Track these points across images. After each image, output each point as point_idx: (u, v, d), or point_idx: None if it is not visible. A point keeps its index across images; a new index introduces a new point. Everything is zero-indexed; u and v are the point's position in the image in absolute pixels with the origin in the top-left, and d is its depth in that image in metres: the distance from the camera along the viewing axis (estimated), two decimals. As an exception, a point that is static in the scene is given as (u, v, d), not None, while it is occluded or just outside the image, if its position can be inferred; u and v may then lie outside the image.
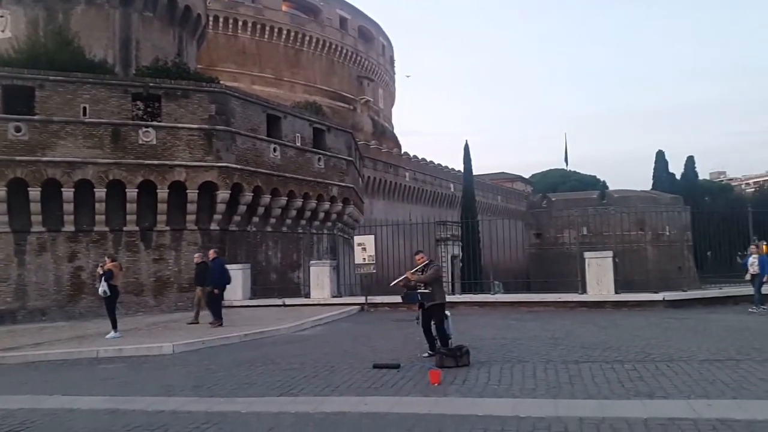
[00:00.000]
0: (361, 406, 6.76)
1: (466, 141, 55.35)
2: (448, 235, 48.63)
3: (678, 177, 73.89)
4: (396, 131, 71.61)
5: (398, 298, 12.31)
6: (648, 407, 6.17)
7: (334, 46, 58.73)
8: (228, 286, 20.60)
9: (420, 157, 58.06)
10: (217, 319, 15.08)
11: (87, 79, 20.18)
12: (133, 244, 20.65)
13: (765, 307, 14.70)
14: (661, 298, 16.16)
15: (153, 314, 19.50)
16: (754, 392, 6.70)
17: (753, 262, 15.08)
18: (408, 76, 74.41)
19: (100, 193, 19.78)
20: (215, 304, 15.32)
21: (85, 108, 19.84)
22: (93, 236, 20.17)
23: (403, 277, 9.85)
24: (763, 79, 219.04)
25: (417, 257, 9.95)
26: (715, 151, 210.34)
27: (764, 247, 19.56)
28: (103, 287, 13.87)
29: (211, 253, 16.39)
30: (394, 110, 76.08)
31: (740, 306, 16.05)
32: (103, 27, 27.47)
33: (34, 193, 19.12)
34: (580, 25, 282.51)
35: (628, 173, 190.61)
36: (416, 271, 9.69)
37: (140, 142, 20.37)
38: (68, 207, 19.59)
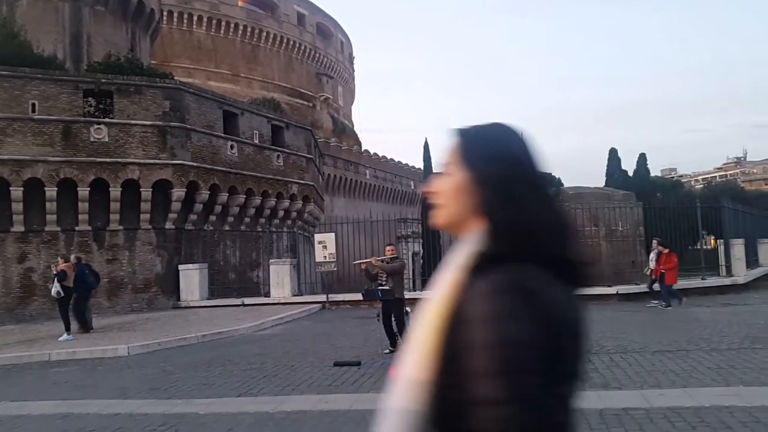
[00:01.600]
0: (321, 404, 6.73)
1: (426, 139, 55.39)
2: (409, 233, 48.84)
3: (630, 174, 75.74)
4: (356, 129, 71.48)
5: (359, 296, 12.34)
6: (603, 398, 6.31)
7: (292, 43, 58.22)
8: (184, 286, 20.27)
9: (381, 155, 58.13)
10: (82, 327, 14.32)
11: (35, 75, 19.54)
12: (86, 244, 20.10)
13: (677, 301, 14.97)
14: (615, 292, 16.57)
15: (107, 316, 18.97)
16: (702, 380, 6.95)
17: (652, 258, 15.54)
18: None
19: (51, 192, 19.18)
20: (77, 311, 14.29)
21: (34, 104, 19.21)
22: (44, 236, 19.56)
23: (368, 260, 9.96)
24: (715, 78, 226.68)
25: (387, 248, 10.23)
26: (666, 148, 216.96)
27: (712, 241, 20.23)
28: (56, 288, 13.49)
29: (72, 259, 15.03)
30: (354, 108, 75.97)
31: (690, 298, 16.55)
32: (52, 21, 26.65)
33: (-20, 192, 18.42)
34: (537, 22, 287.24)
35: (582, 170, 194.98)
36: (382, 259, 9.81)
37: (92, 139, 19.83)
38: (17, 206, 18.94)
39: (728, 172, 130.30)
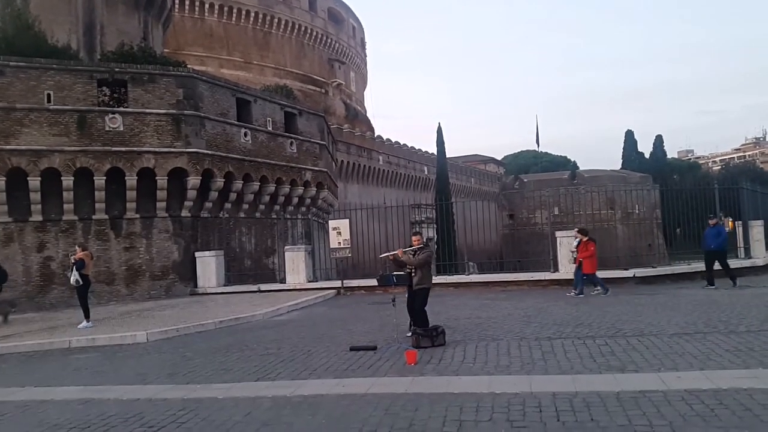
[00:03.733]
0: (338, 388, 6.78)
1: (439, 124, 55.36)
2: (423, 218, 48.87)
3: (647, 156, 75.07)
4: (369, 114, 71.34)
5: (374, 282, 12.34)
6: (619, 381, 6.31)
7: (303, 29, 58.04)
8: (201, 273, 20.45)
9: (393, 141, 58.01)
10: None
11: (50, 65, 19.65)
12: (103, 232, 20.32)
13: (597, 290, 14.74)
14: (632, 275, 16.48)
15: (125, 303, 19.26)
16: (720, 363, 6.90)
17: (574, 246, 15.38)
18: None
19: (68, 181, 19.37)
20: None
21: (49, 95, 19.35)
22: (62, 225, 19.79)
23: (393, 252, 9.82)
24: (729, 59, 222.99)
25: (414, 238, 9.96)
26: (682, 129, 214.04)
27: (730, 222, 20.01)
28: (74, 276, 13.65)
29: None
30: (366, 93, 75.74)
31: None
32: (66, 11, 26.72)
33: (-1, 182, 18.65)
34: (551, 5, 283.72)
35: (598, 153, 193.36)
36: (408, 251, 9.69)
37: (107, 128, 19.96)
38: (35, 196, 19.16)
39: (746, 153, 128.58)
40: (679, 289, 15.10)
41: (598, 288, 14.61)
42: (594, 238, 15.22)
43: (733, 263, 17.71)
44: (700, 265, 17.86)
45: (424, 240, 10.18)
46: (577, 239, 15.19)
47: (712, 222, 15.36)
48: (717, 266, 15.14)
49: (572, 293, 14.67)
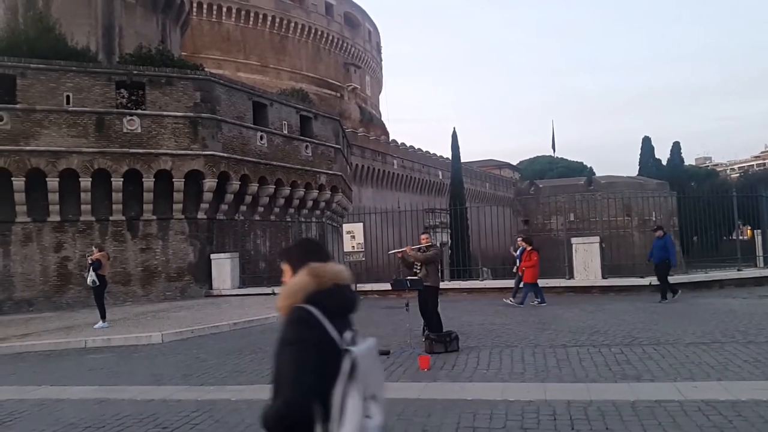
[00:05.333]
0: (351, 393, 6.76)
1: (454, 128, 55.07)
2: (437, 223, 48.71)
3: (664, 163, 74.39)
4: (383, 118, 71.39)
5: (387, 286, 12.35)
6: (635, 390, 6.24)
7: (320, 33, 58.29)
8: (216, 275, 20.55)
9: (408, 145, 58.00)
10: None
11: (70, 67, 19.91)
12: (120, 233, 20.51)
13: (536, 301, 14.56)
14: (648, 283, 16.30)
15: (141, 304, 19.41)
16: (738, 374, 6.80)
17: (518, 255, 15.13)
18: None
19: (86, 182, 19.58)
20: None
21: (68, 96, 19.59)
22: (79, 226, 20.00)
23: (402, 249, 9.92)
24: (747, 64, 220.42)
25: (422, 237, 10.12)
26: (700, 136, 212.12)
27: (749, 231, 19.71)
28: (91, 277, 13.78)
29: None
30: (381, 97, 75.85)
31: (725, 290, 16.25)
32: (85, 13, 27.09)
33: (18, 182, 18.90)
34: (567, 10, 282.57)
35: (615, 159, 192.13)
36: (417, 248, 9.75)
37: (125, 130, 20.16)
38: (53, 197, 19.39)
39: (766, 161, 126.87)
40: (695, 297, 14.91)
41: (537, 299, 14.51)
42: (537, 248, 15.04)
43: (752, 272, 17.49)
44: (717, 274, 17.68)
45: (435, 242, 10.23)
46: (520, 248, 14.99)
47: (657, 234, 14.93)
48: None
49: (535, 302, 14.51)
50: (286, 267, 2.35)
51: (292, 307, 2.17)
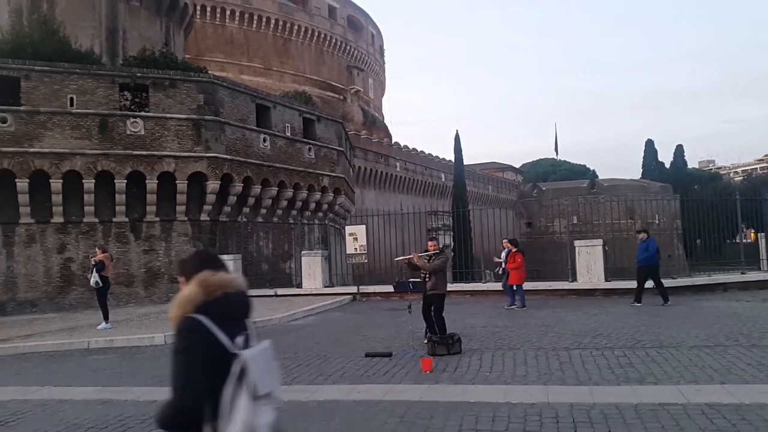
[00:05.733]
0: (353, 394, 6.78)
1: (457, 131, 55.28)
2: (440, 225, 48.74)
3: (667, 166, 74.27)
4: (386, 121, 71.45)
5: (390, 288, 12.34)
6: (638, 393, 6.23)
7: (323, 36, 58.39)
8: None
9: (411, 147, 58.03)
10: None
11: (74, 69, 19.97)
12: (123, 235, 20.55)
13: (515, 305, 14.51)
14: (652, 286, 16.25)
15: (144, 305, 19.43)
16: (742, 377, 6.78)
17: (503, 257, 15.01)
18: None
19: (89, 184, 19.63)
20: None
21: (72, 98, 19.65)
22: (82, 227, 20.05)
23: (409, 256, 9.85)
24: (751, 67, 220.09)
25: (430, 243, 10.01)
26: (703, 139, 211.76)
27: (752, 234, 19.68)
28: (94, 278, 13.81)
29: None
30: (384, 100, 75.90)
31: (729, 293, 16.21)
32: (89, 16, 27.16)
33: (22, 184, 18.96)
34: (569, 12, 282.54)
35: (618, 162, 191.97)
36: (425, 256, 9.70)
37: (128, 132, 20.21)
38: (57, 198, 19.44)
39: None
40: (699, 300, 14.88)
41: (515, 302, 14.49)
42: (523, 250, 15.03)
43: (755, 276, 17.45)
44: (720, 277, 17.64)
45: (440, 246, 10.17)
46: (506, 250, 14.94)
47: (641, 236, 14.82)
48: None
49: (514, 306, 14.50)
50: (181, 279, 2.47)
51: (182, 317, 2.31)
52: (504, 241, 15.50)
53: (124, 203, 20.26)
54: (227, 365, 2.22)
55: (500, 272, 15.64)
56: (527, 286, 17.24)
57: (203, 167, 21.09)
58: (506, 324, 11.95)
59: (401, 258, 10.15)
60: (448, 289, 10.16)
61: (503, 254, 15.13)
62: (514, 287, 14.63)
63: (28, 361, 10.80)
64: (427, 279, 9.62)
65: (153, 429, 5.87)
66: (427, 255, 9.73)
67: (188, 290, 2.37)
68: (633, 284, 16.50)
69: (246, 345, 2.36)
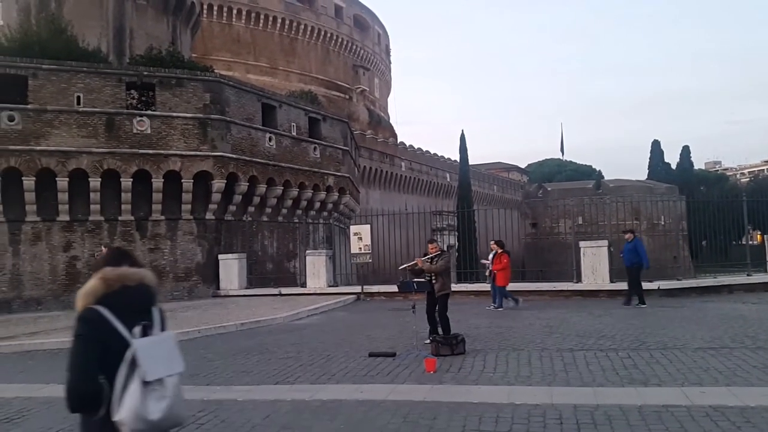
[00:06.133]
0: (357, 394, 6.78)
1: (462, 131, 54.99)
2: (444, 225, 48.71)
3: (673, 167, 74.05)
4: (392, 121, 71.43)
5: (394, 288, 12.35)
6: (642, 395, 6.21)
7: (329, 35, 58.40)
8: (223, 275, 20.66)
9: (416, 147, 58.01)
10: None
11: (81, 68, 20.04)
12: (129, 233, 20.60)
13: (509, 303, 14.56)
14: (656, 287, 16.22)
15: (149, 304, 19.44)
16: (747, 379, 6.75)
17: (490, 259, 14.96)
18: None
19: (95, 182, 19.70)
20: None
21: (78, 97, 19.72)
22: (88, 226, 20.11)
23: (413, 262, 9.90)
24: (758, 67, 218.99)
25: (430, 246, 10.06)
26: (710, 139, 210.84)
27: (758, 236, 19.59)
28: (99, 276, 13.81)
29: None
30: (390, 100, 75.90)
31: (735, 295, 16.15)
32: (97, 15, 27.26)
33: (29, 182, 19.03)
34: (576, 13, 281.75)
35: (624, 163, 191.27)
36: (427, 259, 9.73)
37: (135, 131, 20.27)
38: (63, 196, 19.51)
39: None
40: (704, 302, 14.83)
41: (493, 303, 14.56)
42: (509, 251, 15.01)
43: (761, 278, 17.37)
44: (726, 279, 17.58)
45: (442, 247, 10.18)
46: (493, 251, 14.91)
47: (627, 237, 14.79)
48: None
49: (491, 306, 14.57)
50: (94, 274, 2.70)
51: (83, 308, 2.57)
52: (491, 242, 15.45)
53: (130, 202, 20.31)
54: (122, 352, 2.45)
55: (487, 274, 15.61)
56: (531, 287, 17.23)
57: (209, 166, 21.13)
58: (510, 325, 11.94)
59: (406, 266, 10.18)
60: (452, 289, 10.17)
61: (490, 256, 15.09)
62: (499, 288, 14.60)
63: (34, 359, 10.85)
64: (434, 281, 9.63)
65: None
66: (429, 258, 9.77)
67: (90, 284, 2.63)
68: (638, 286, 16.43)
69: (145, 334, 2.57)
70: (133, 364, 2.44)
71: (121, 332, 2.52)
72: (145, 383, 2.43)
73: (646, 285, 16.55)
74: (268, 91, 26.38)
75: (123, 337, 2.50)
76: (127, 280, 2.67)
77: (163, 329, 2.73)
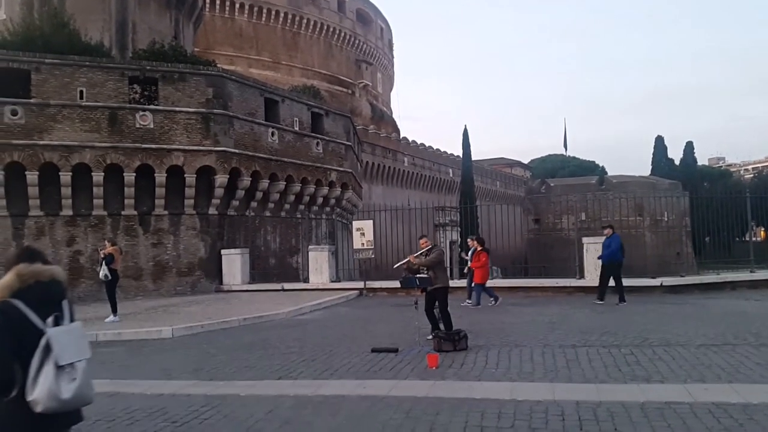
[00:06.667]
0: (359, 390, 6.79)
1: (465, 126, 55.02)
2: (447, 221, 48.71)
3: (677, 162, 73.81)
4: (394, 116, 71.31)
5: (396, 283, 12.33)
6: (645, 391, 6.21)
7: (332, 29, 58.27)
8: (226, 270, 20.68)
9: (419, 143, 57.91)
10: None
11: (83, 62, 20.03)
12: (132, 228, 20.64)
13: (470, 302, 14.49)
14: (659, 284, 16.21)
15: (152, 298, 19.53)
16: (750, 376, 6.75)
17: (470, 255, 14.86)
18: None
19: (98, 177, 19.73)
20: None
21: (81, 91, 19.73)
22: (91, 220, 20.15)
23: (405, 260, 9.93)
24: (761, 63, 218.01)
25: (421, 241, 10.09)
26: (713, 135, 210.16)
27: (762, 232, 19.54)
28: (104, 271, 13.86)
29: None
30: (392, 94, 75.76)
31: (738, 291, 16.12)
32: (99, 9, 27.22)
33: (32, 176, 19.07)
34: (579, 8, 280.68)
35: (627, 158, 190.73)
36: (420, 254, 9.75)
37: (137, 125, 20.28)
38: (66, 191, 19.54)
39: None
40: (707, 299, 14.80)
41: (492, 299, 14.49)
42: (488, 248, 14.88)
43: (765, 274, 17.33)
44: (729, 276, 17.54)
45: (436, 242, 10.19)
46: (472, 248, 14.81)
47: (606, 232, 14.65)
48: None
49: (467, 303, 14.49)
50: (8, 271, 2.98)
51: (0, 301, 2.85)
52: (469, 239, 15.33)
53: (133, 196, 20.34)
54: (36, 340, 2.78)
55: (465, 270, 15.50)
56: (534, 283, 17.21)
57: (212, 161, 21.14)
58: (513, 321, 11.94)
59: (400, 263, 10.21)
60: (455, 284, 10.17)
61: (470, 252, 14.98)
62: (475, 285, 14.51)
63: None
64: (429, 275, 9.65)
65: (160, 422, 5.92)
66: (423, 253, 9.78)
67: (5, 279, 2.92)
68: (641, 282, 16.48)
69: (56, 324, 2.90)
70: (47, 350, 2.77)
71: (35, 322, 2.83)
72: (59, 367, 2.77)
73: (649, 282, 16.59)
74: (270, 86, 26.35)
75: (37, 327, 2.83)
76: (40, 276, 2.98)
77: (72, 320, 3.05)
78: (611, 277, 14.28)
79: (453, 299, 15.35)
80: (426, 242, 9.99)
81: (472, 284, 14.63)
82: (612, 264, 14.23)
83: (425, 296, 9.80)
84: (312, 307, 15.45)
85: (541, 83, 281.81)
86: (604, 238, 14.82)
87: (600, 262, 14.56)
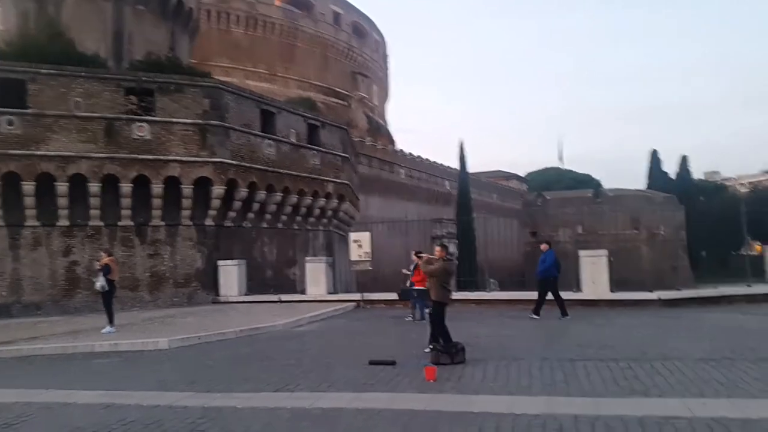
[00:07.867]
0: (357, 402, 6.75)
1: (461, 142, 55.15)
2: (444, 233, 48.67)
3: (672, 176, 74.18)
4: (390, 128, 71.52)
5: (394, 295, 12.36)
6: (643, 406, 6.19)
7: (328, 42, 58.54)
8: (223, 282, 20.61)
9: (415, 155, 58.02)
10: None
11: (79, 73, 20.05)
12: (128, 239, 20.58)
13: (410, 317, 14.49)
14: (656, 297, 16.22)
15: (148, 309, 19.44)
16: (749, 391, 6.74)
17: (411, 270, 14.68)
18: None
19: (95, 187, 19.69)
20: None
21: (77, 102, 19.72)
22: (88, 231, 20.09)
23: (407, 271, 9.93)
24: (757, 77, 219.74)
25: (437, 249, 10.15)
26: (708, 149, 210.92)
27: (757, 247, 19.64)
28: (101, 282, 13.81)
29: None
30: (387, 107, 76.02)
31: (735, 305, 16.13)
32: (95, 20, 27.29)
33: (28, 187, 19.03)
34: (575, 23, 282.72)
35: (623, 172, 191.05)
36: (431, 259, 9.81)
37: (134, 136, 20.28)
38: (62, 201, 19.50)
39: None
40: (704, 313, 14.81)
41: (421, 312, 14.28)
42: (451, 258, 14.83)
43: (761, 289, 17.36)
44: (726, 289, 17.57)
45: (446, 254, 10.16)
46: (414, 263, 14.62)
47: (542, 247, 14.69)
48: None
49: (409, 318, 14.48)
50: None
51: None
52: (412, 254, 15.09)
53: (130, 207, 20.30)
54: None
55: (408, 284, 15.30)
56: (531, 296, 17.17)
57: (208, 172, 21.13)
58: (511, 334, 11.92)
59: (404, 282, 10.23)
60: (453, 297, 10.14)
61: (411, 266, 14.78)
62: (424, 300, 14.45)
63: (33, 364, 10.81)
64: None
65: (156, 435, 5.88)
66: (431, 261, 9.81)
67: None
68: (638, 296, 16.50)
69: None
70: None
71: None
72: None
73: (646, 295, 16.60)
74: (267, 98, 26.39)
75: None
76: None
77: None
78: (547, 293, 14.24)
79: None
80: (440, 252, 10.01)
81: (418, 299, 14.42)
82: (547, 279, 14.22)
83: (433, 306, 9.80)
84: (309, 319, 15.39)
85: (538, 97, 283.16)
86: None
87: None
